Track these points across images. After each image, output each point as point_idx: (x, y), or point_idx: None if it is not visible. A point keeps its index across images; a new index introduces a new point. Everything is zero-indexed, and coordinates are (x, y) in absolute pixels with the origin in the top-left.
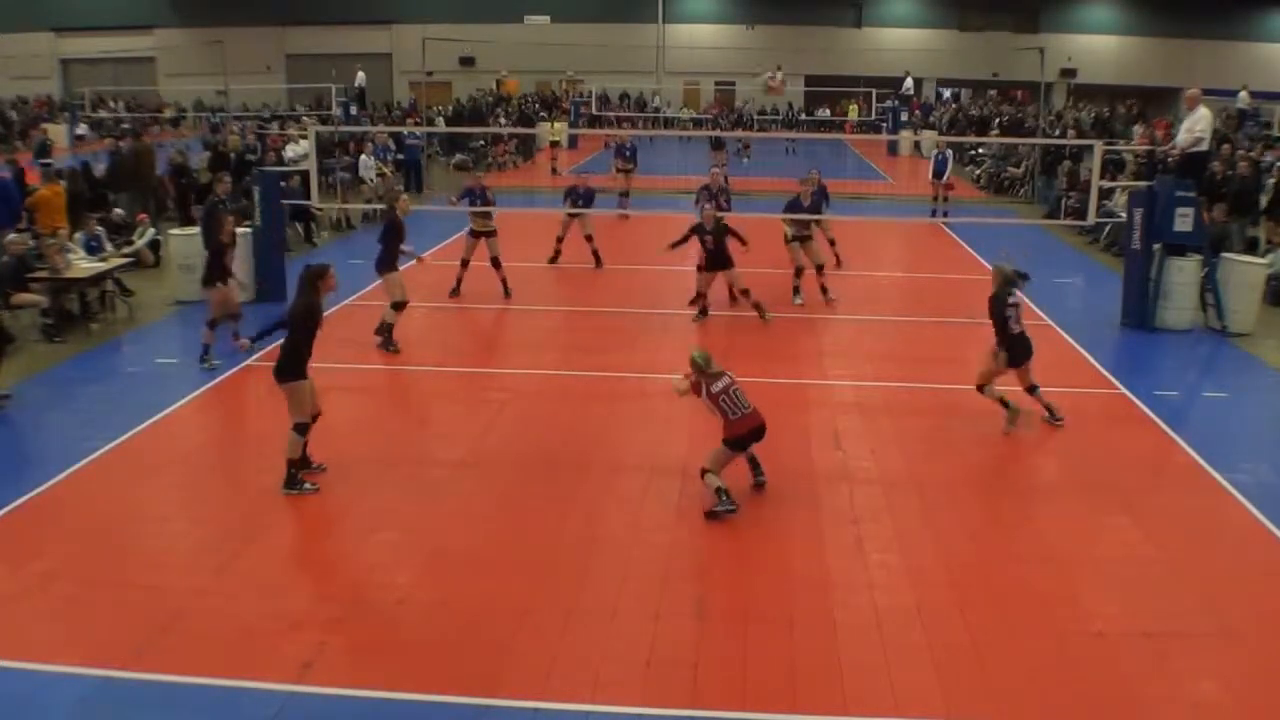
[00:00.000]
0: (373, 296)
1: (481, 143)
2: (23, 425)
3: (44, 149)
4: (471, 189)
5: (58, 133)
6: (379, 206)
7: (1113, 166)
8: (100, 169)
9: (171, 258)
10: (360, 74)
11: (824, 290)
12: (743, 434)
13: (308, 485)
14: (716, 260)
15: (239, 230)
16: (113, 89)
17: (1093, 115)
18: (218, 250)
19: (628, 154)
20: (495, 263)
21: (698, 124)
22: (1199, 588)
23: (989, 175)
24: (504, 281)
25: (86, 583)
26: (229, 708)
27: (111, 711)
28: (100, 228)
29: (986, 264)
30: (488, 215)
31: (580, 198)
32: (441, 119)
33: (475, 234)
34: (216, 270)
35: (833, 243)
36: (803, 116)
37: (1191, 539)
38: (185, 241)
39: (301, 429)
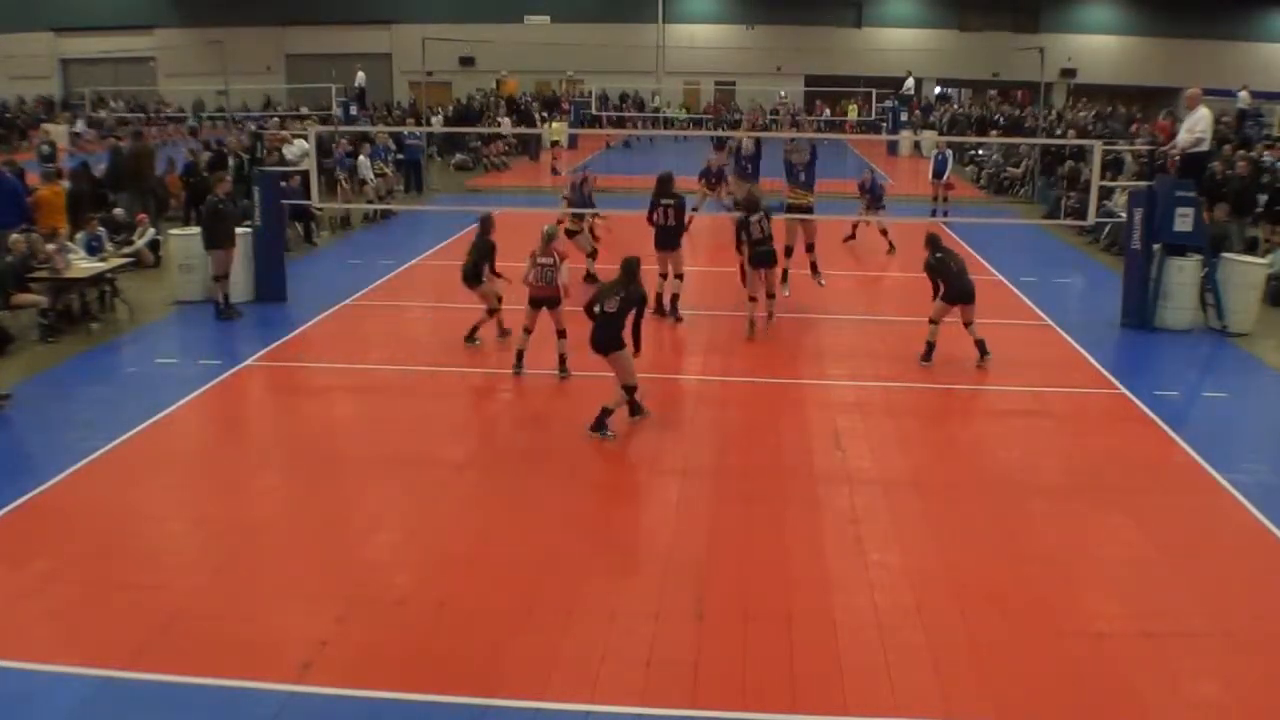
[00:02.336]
0: (371, 296)
1: (478, 143)
2: (23, 425)
3: (49, 156)
4: (575, 184)
5: (59, 133)
6: (380, 207)
7: (1112, 166)
8: (100, 169)
9: (172, 258)
10: (360, 74)
11: (814, 269)
12: (532, 297)
13: (609, 433)
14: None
15: (239, 230)
16: (113, 89)
17: (1094, 114)
18: (491, 248)
19: (714, 180)
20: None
21: (696, 124)
22: (1199, 588)
23: (989, 175)
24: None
25: (86, 583)
26: (229, 708)
27: (111, 711)
28: (101, 228)
29: (987, 264)
30: (580, 216)
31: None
32: (439, 119)
33: (569, 234)
34: (486, 269)
35: (884, 232)
36: (803, 117)
37: (1191, 539)
38: (185, 241)
39: (630, 390)
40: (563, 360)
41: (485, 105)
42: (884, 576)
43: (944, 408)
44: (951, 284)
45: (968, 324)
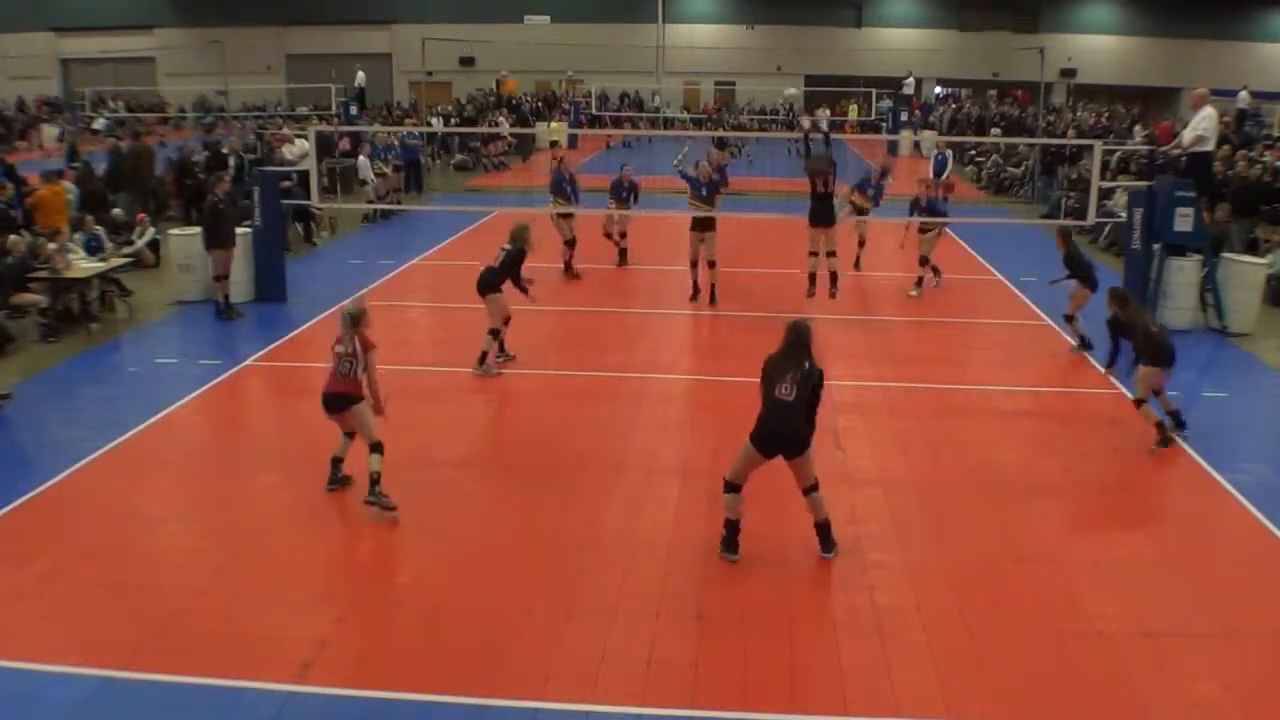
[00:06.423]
0: (372, 296)
1: (477, 143)
2: (23, 425)
3: (73, 151)
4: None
5: (50, 133)
6: (380, 207)
7: (1113, 166)
8: (100, 169)
9: (171, 258)
10: (360, 74)
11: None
12: (323, 394)
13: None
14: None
15: (239, 230)
16: (113, 89)
17: (1095, 114)
18: (519, 256)
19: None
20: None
21: (697, 124)
22: (1199, 588)
23: (989, 175)
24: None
25: (86, 583)
26: (229, 708)
27: (111, 711)
28: (100, 228)
29: (986, 264)
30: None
31: (626, 192)
32: (438, 120)
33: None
34: (504, 279)
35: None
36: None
37: (1191, 539)
38: (185, 241)
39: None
40: (375, 481)
41: (484, 106)
42: (884, 576)
43: (944, 408)
44: (1149, 345)
45: (1156, 392)
